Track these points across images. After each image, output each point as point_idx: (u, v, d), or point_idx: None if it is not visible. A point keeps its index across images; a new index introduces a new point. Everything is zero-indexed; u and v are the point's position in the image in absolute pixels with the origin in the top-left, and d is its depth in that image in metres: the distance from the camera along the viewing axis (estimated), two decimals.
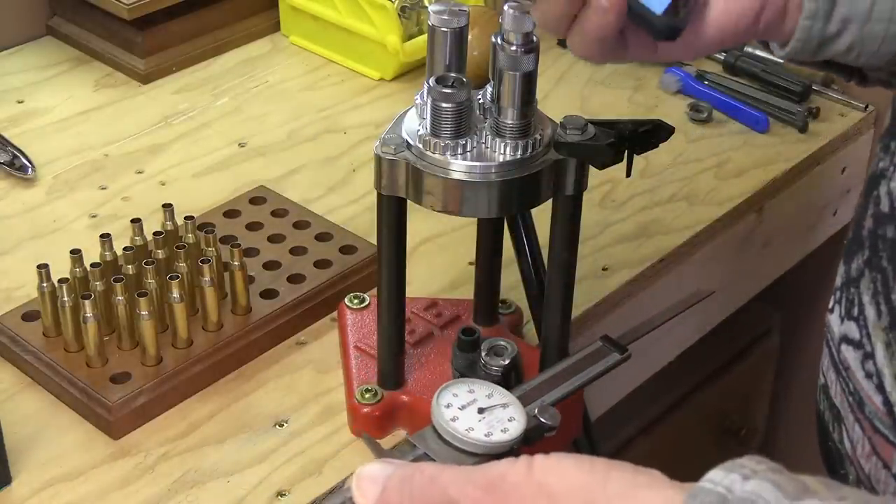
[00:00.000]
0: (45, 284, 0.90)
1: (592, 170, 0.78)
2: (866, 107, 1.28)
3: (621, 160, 0.78)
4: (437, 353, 0.89)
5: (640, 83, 1.31)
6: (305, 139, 1.20)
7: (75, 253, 0.92)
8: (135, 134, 1.20)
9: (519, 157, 0.76)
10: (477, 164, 0.76)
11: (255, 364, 0.94)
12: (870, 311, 0.74)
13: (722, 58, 1.32)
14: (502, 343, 0.81)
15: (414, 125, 0.78)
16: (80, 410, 0.88)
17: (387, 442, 0.86)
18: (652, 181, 1.16)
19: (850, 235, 0.79)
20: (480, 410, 0.69)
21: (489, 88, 0.78)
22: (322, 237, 1.02)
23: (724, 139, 1.23)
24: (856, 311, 0.75)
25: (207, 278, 0.90)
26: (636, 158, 0.79)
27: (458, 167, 0.76)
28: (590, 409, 0.98)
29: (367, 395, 0.86)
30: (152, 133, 1.20)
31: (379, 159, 0.77)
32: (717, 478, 0.48)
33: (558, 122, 0.78)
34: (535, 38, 0.75)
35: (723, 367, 1.52)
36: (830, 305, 0.79)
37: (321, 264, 0.99)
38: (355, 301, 0.94)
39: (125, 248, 0.93)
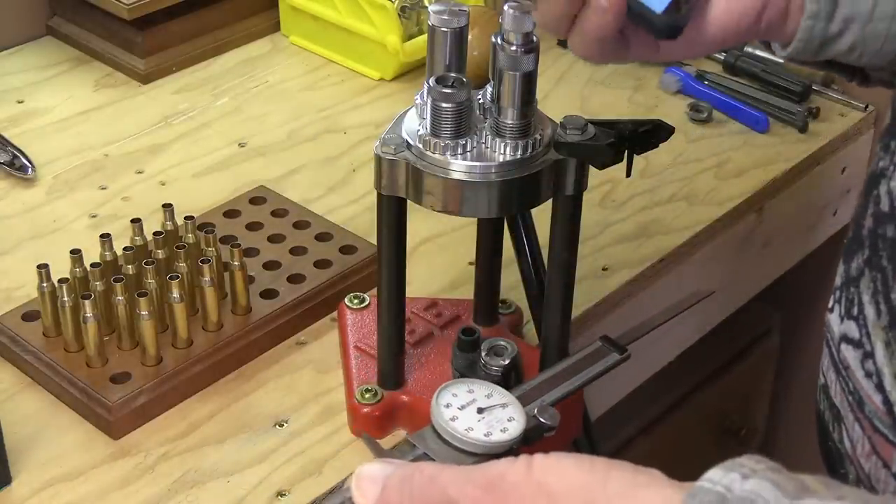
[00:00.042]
0: (45, 284, 0.90)
1: (592, 170, 0.78)
2: (866, 107, 1.28)
3: (621, 160, 0.78)
4: (437, 353, 0.89)
5: (640, 83, 1.31)
6: (305, 139, 1.20)
7: (75, 253, 0.92)
8: (135, 134, 1.20)
9: (519, 157, 0.76)
10: (477, 164, 0.76)
11: (255, 364, 0.94)
12: (869, 311, 0.74)
13: (722, 58, 1.32)
14: (502, 343, 0.81)
15: (414, 125, 0.78)
16: (80, 410, 0.88)
17: (387, 442, 0.86)
18: (652, 181, 1.16)
19: (850, 235, 0.79)
20: (480, 410, 0.69)
21: (489, 88, 0.78)
22: (322, 237, 1.02)
23: (724, 139, 1.23)
24: (855, 311, 0.75)
25: (207, 278, 0.90)
26: (636, 158, 0.79)
27: (458, 167, 0.76)
28: (590, 409, 0.98)
29: (367, 395, 0.86)
30: (152, 133, 1.20)
31: (379, 159, 0.77)
32: (717, 477, 0.48)
33: (558, 122, 0.78)
34: (535, 38, 0.74)
35: (723, 367, 1.52)
36: (830, 305, 0.79)
37: (321, 264, 0.99)
38: (355, 301, 0.94)
39: (125, 248, 0.93)
